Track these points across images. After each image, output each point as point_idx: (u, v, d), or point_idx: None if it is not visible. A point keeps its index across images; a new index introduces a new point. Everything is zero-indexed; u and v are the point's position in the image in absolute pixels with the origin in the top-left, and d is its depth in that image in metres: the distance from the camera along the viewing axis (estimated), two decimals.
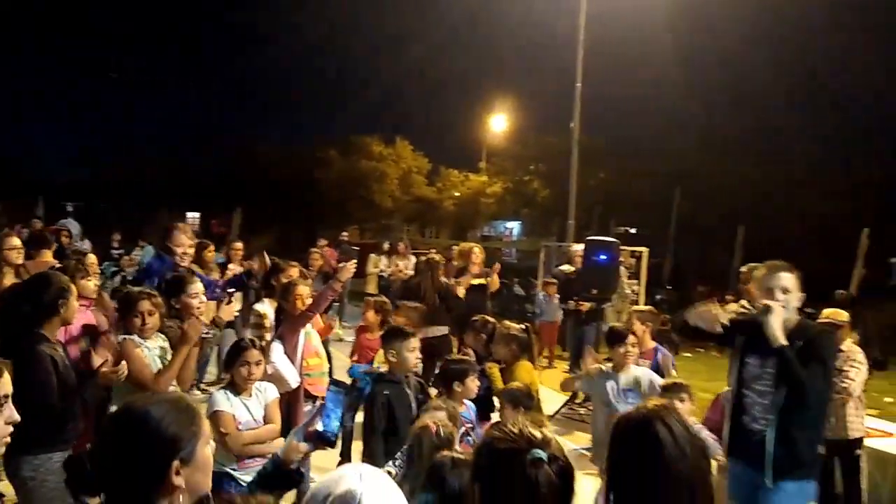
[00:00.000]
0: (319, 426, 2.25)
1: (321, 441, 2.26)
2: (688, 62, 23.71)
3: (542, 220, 32.68)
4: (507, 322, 5.38)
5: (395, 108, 42.21)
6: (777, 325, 3.62)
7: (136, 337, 3.94)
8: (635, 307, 6.97)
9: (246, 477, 3.92)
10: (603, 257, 8.45)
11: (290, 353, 5.19)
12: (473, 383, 4.33)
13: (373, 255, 15.28)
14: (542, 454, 1.69)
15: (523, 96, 33.47)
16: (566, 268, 12.20)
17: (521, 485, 1.68)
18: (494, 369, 4.91)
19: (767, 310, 3.66)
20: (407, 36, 43.04)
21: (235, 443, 3.95)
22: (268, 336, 5.47)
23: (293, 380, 5.08)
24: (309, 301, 5.30)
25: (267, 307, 5.69)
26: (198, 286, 4.81)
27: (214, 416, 3.91)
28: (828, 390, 3.86)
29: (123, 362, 3.80)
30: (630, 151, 28.52)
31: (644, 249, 13.53)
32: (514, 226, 40.49)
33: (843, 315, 6.23)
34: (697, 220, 23.56)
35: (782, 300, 3.72)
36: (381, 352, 6.03)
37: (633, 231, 32.42)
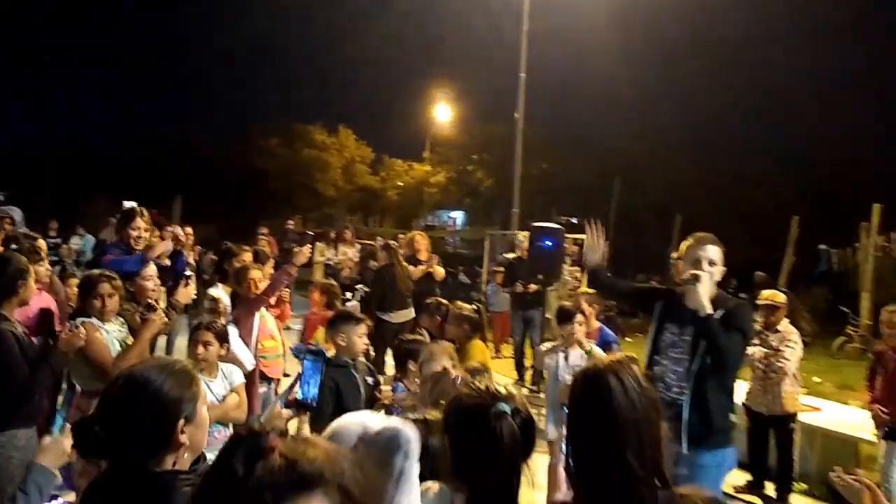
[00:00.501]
0: (299, 394, 2.34)
1: (302, 407, 2.35)
2: (628, 55, 24.21)
3: (485, 210, 32.91)
4: (459, 303, 5.53)
5: (338, 96, 41.86)
6: (704, 294, 3.64)
7: (94, 320, 3.94)
8: (583, 289, 7.15)
9: (211, 454, 3.97)
10: (548, 243, 8.67)
11: (245, 337, 5.24)
12: None
13: (319, 244, 15.21)
14: (506, 408, 1.83)
15: (467, 86, 33.60)
16: (510, 254, 12.54)
17: (486, 436, 1.81)
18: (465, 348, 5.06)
19: (695, 279, 3.67)
20: (351, 24, 42.73)
21: None
22: (223, 320, 5.49)
23: (248, 362, 5.13)
24: (263, 285, 5.36)
25: (221, 292, 5.71)
26: (152, 269, 4.82)
27: None
28: (742, 360, 3.91)
29: (82, 327, 3.81)
30: (571, 142, 28.98)
31: (585, 237, 13.86)
32: (458, 215, 40.71)
33: (780, 297, 6.57)
34: (635, 210, 24.12)
35: (709, 271, 3.74)
36: (321, 330, 6.24)
37: (574, 221, 33.04)
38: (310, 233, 6.73)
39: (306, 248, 5.43)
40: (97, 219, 27.92)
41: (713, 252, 3.81)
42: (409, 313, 8.41)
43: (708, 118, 25.61)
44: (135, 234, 5.36)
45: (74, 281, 5.55)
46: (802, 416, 6.58)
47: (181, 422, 1.89)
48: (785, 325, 6.30)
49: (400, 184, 36.50)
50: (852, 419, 6.73)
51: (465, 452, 1.85)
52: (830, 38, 24.95)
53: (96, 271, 4.19)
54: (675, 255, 7.50)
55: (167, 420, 1.87)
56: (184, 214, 26.17)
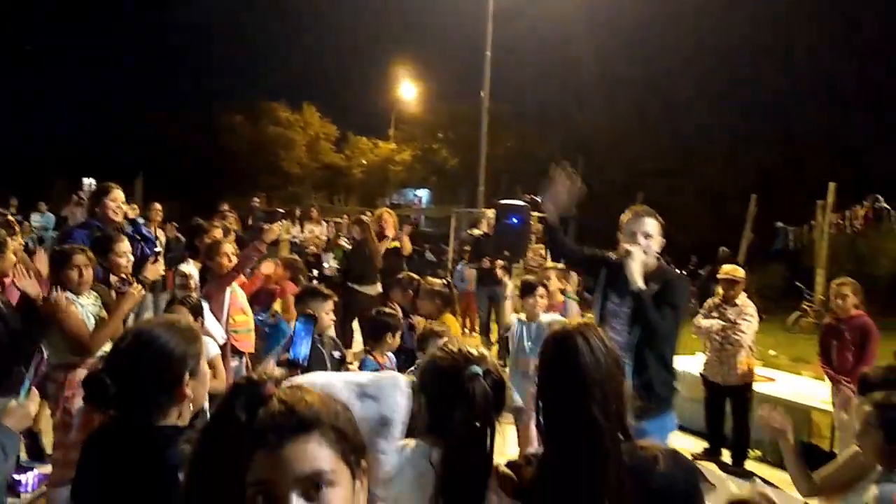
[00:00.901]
0: (290, 353, 2.45)
1: (292, 366, 2.45)
2: (591, 36, 24.37)
3: (450, 188, 32.99)
4: (429, 279, 5.67)
5: (302, 74, 41.38)
6: (636, 268, 3.70)
7: (69, 293, 3.98)
8: (551, 263, 7.34)
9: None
10: (514, 220, 8.75)
11: (217, 311, 5.30)
12: (398, 337, 4.64)
13: (285, 222, 15.22)
14: (479, 369, 1.96)
15: (432, 64, 33.56)
16: (475, 231, 12.71)
17: (460, 395, 1.93)
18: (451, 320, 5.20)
19: (628, 253, 3.74)
20: (315, 0, 42.17)
21: None
22: (194, 295, 5.55)
23: (219, 336, 5.19)
24: (234, 259, 5.42)
25: (191, 268, 5.75)
26: (125, 245, 4.85)
27: None
28: (676, 332, 3.90)
29: (63, 293, 3.86)
30: (536, 121, 29.17)
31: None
32: (424, 194, 40.72)
33: (740, 272, 6.81)
34: (598, 189, 24.38)
35: (644, 245, 3.79)
36: (279, 300, 6.37)
37: (538, 199, 33.26)
38: (280, 210, 6.78)
39: (276, 226, 5.50)
40: (57, 197, 27.49)
41: (649, 225, 3.86)
42: (378, 287, 8.70)
43: (669, 98, 25.97)
44: (113, 205, 5.36)
45: (38, 257, 5.52)
46: (757, 387, 6.85)
47: (186, 376, 2.03)
48: (743, 299, 6.53)
49: (364, 162, 36.36)
50: (805, 389, 7.03)
51: (440, 411, 1.97)
52: (788, 20, 25.42)
53: (70, 244, 4.22)
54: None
55: (173, 374, 2.01)
56: (146, 193, 25.88)
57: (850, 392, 5.71)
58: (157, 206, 9.68)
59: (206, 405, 2.77)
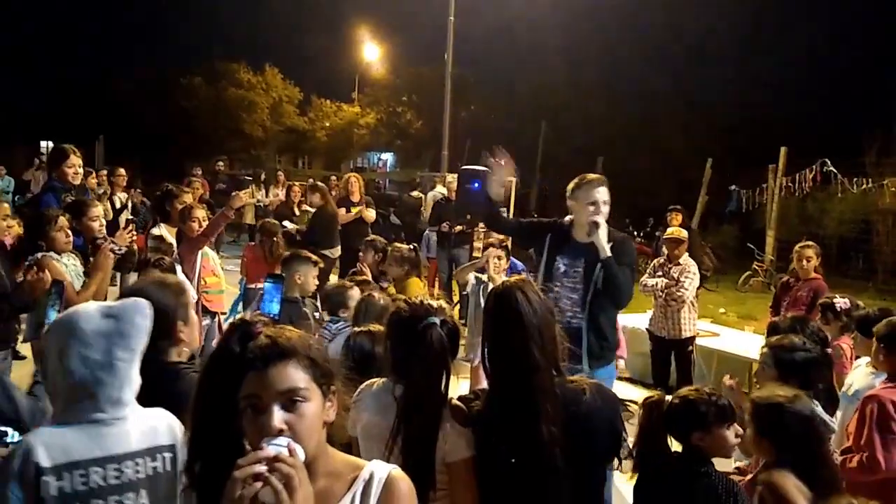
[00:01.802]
0: (261, 309, 2.75)
1: None
2: (555, 4, 24.51)
3: (415, 151, 33.08)
4: (396, 244, 5.98)
5: (264, 35, 40.82)
6: (604, 238, 4.02)
7: (52, 254, 4.20)
8: (489, 237, 7.75)
9: None
10: (476, 185, 9.05)
11: (188, 273, 5.54)
12: None
13: (251, 187, 15.26)
14: (436, 319, 2.29)
15: (396, 26, 33.36)
16: (440, 189, 13.08)
17: (420, 342, 2.28)
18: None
19: (596, 225, 4.02)
20: None
21: None
22: (167, 259, 5.78)
23: (191, 297, 5.46)
24: (205, 224, 5.66)
25: (164, 231, 5.96)
26: (98, 210, 5.07)
27: None
28: (633, 287, 4.28)
29: (46, 272, 4.08)
30: (499, 85, 29.30)
31: (512, 179, 14.39)
32: (388, 157, 40.68)
33: (683, 233, 7.22)
34: (560, 154, 24.73)
35: (605, 213, 4.13)
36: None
37: (501, 162, 33.53)
38: (247, 177, 6.96)
39: (243, 193, 5.74)
40: (15, 161, 27.03)
41: (605, 193, 4.19)
42: (338, 251, 9.20)
43: (628, 64, 26.36)
44: (71, 171, 5.55)
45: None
46: (701, 341, 7.31)
47: (180, 322, 2.45)
48: (685, 258, 6.94)
49: (327, 124, 36.12)
50: (746, 343, 7.50)
51: (402, 354, 2.31)
52: None
53: (49, 208, 4.43)
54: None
55: (168, 322, 2.39)
56: (107, 157, 25.61)
57: None
58: (121, 171, 9.80)
59: None
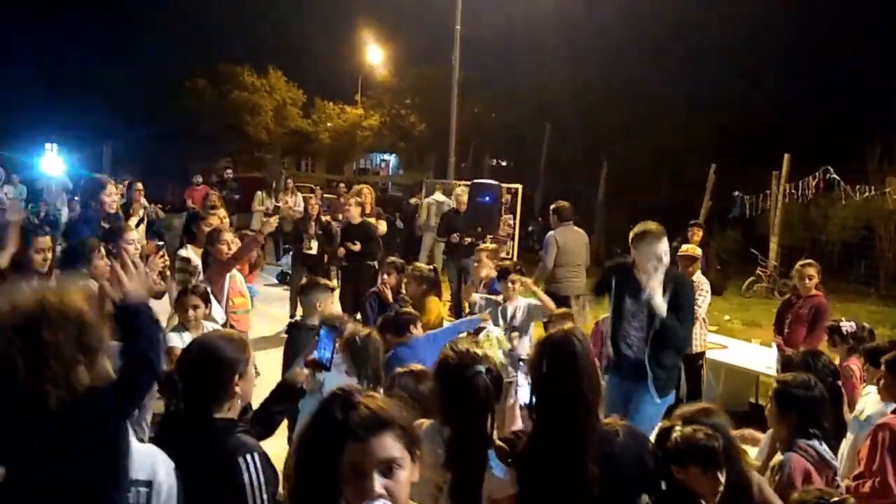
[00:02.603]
0: (315, 355, 2.94)
1: (317, 366, 2.95)
2: (558, 5, 24.58)
3: (418, 154, 33.22)
4: (417, 264, 6.18)
5: (267, 37, 40.93)
6: (660, 300, 4.49)
7: (91, 281, 4.40)
8: (482, 245, 7.99)
9: None
10: (487, 198, 9.30)
11: (217, 294, 5.72)
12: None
13: (259, 193, 15.42)
14: (482, 368, 2.49)
15: (399, 27, 33.39)
16: (437, 196, 13.44)
17: (467, 389, 2.48)
18: None
19: (654, 290, 4.48)
20: None
21: None
22: (202, 285, 5.97)
23: (220, 317, 5.64)
24: (233, 246, 5.85)
25: (190, 253, 6.14)
26: (133, 234, 5.27)
27: (169, 352, 4.48)
28: (688, 334, 4.94)
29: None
30: (503, 86, 29.37)
31: (518, 186, 14.59)
32: (391, 158, 40.83)
33: (697, 251, 7.42)
34: (563, 155, 24.88)
35: (665, 263, 4.58)
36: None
37: (503, 164, 33.70)
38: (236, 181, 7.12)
39: (273, 219, 5.94)
40: (21, 163, 27.10)
41: (665, 245, 4.63)
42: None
43: (630, 65, 26.42)
44: (109, 200, 5.74)
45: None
46: (710, 353, 7.50)
47: (237, 377, 2.54)
48: (698, 276, 7.13)
49: (329, 125, 36.19)
50: (754, 355, 7.69)
51: (450, 399, 2.50)
52: None
53: (93, 238, 4.65)
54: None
55: (228, 376, 2.53)
56: (113, 159, 25.88)
57: None
58: (139, 185, 9.94)
59: None
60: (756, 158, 18.96)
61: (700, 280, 7.10)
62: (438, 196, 14.76)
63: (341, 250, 9.11)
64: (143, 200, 9.75)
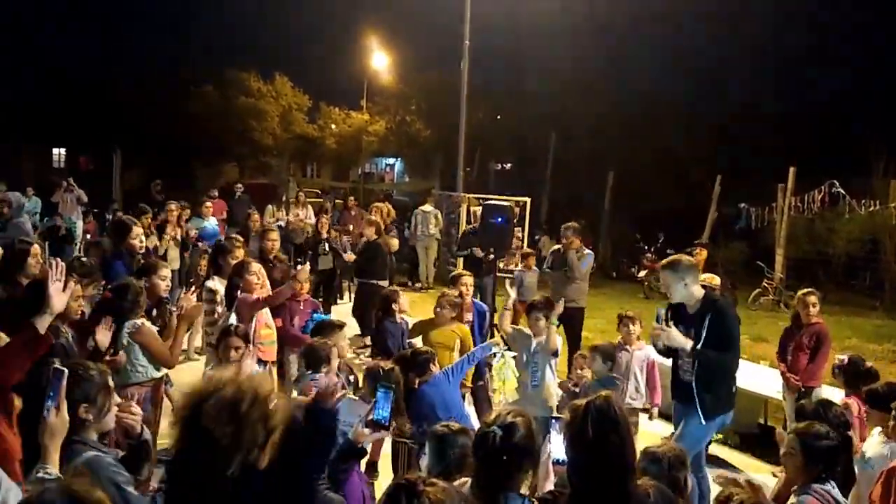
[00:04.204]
0: (374, 416, 3.12)
1: (377, 426, 3.14)
2: (563, 8, 24.73)
3: (423, 159, 33.33)
4: (447, 290, 6.40)
5: (272, 43, 41.14)
6: (677, 340, 4.89)
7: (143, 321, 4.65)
8: (459, 270, 8.40)
9: None
10: (499, 219, 9.49)
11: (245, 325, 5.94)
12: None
13: (270, 207, 15.53)
14: (522, 432, 2.68)
15: (405, 33, 33.59)
16: (426, 207, 14.77)
17: (504, 452, 2.68)
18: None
19: (657, 337, 4.98)
20: None
21: None
22: (219, 309, 6.17)
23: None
24: (261, 278, 6.06)
25: (217, 284, 6.33)
26: (166, 271, 5.47)
27: None
28: (736, 350, 5.14)
29: (122, 354, 4.54)
30: (508, 92, 29.48)
31: (527, 200, 14.81)
32: (396, 162, 40.97)
33: (715, 280, 7.60)
34: (569, 162, 25.01)
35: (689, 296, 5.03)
36: None
37: (507, 166, 33.85)
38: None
39: (306, 267, 6.14)
40: (27, 170, 27.28)
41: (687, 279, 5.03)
42: (387, 282, 10.00)
43: (638, 74, 26.62)
44: (136, 241, 5.98)
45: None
46: None
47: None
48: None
49: (335, 128, 36.25)
50: (762, 378, 7.87)
51: (487, 461, 2.70)
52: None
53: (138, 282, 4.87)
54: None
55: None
56: (123, 166, 26.04)
57: (798, 386, 6.68)
58: (172, 206, 10.09)
59: None
60: (761, 170, 19.13)
61: None
62: (426, 207, 15.29)
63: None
64: (177, 221, 9.94)
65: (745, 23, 25.42)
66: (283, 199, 16.12)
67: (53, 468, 2.48)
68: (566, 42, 26.24)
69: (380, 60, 33.60)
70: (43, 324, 3.36)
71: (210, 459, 2.10)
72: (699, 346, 4.89)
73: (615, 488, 2.64)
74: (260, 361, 6.03)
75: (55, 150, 38.13)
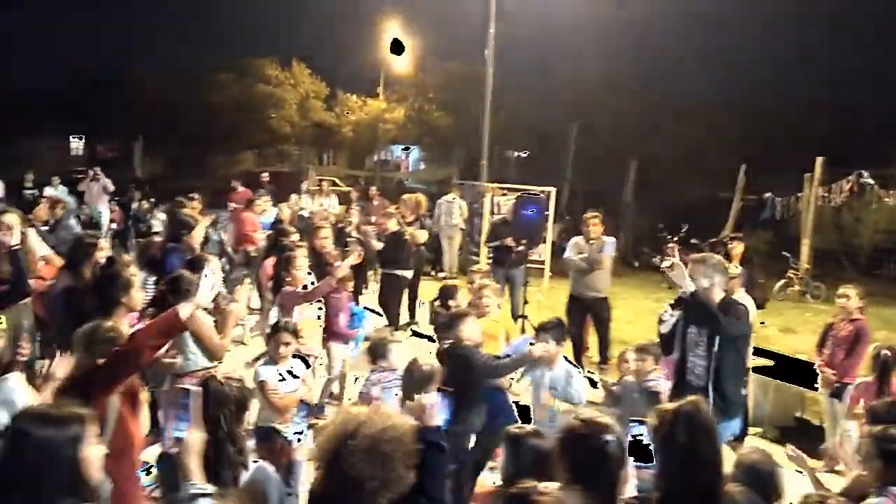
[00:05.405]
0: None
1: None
2: (587, 2, 24.49)
3: (442, 149, 33.23)
4: (484, 281, 6.48)
5: (290, 30, 41.10)
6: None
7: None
8: (478, 267, 8.42)
9: (287, 430, 4.80)
10: (533, 211, 9.47)
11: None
12: None
13: (294, 196, 15.53)
14: (612, 437, 2.67)
15: (424, 22, 33.35)
16: (449, 197, 14.88)
17: (597, 455, 2.66)
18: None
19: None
20: None
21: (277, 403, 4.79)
22: (290, 321, 6.14)
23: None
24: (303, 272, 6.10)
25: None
26: (216, 264, 5.52)
27: (261, 385, 4.72)
28: (746, 356, 5.15)
29: (178, 354, 4.62)
30: (531, 83, 29.26)
31: (553, 189, 14.76)
32: (412, 150, 40.82)
33: (736, 270, 7.54)
34: (590, 152, 24.86)
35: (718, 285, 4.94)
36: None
37: (524, 154, 33.66)
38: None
39: (345, 263, 6.16)
40: (47, 157, 27.40)
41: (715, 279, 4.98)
42: (410, 273, 10.05)
43: (662, 64, 26.42)
44: (195, 241, 6.07)
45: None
46: (756, 371, 7.64)
47: None
48: (741, 293, 7.21)
49: (352, 117, 36.13)
50: (799, 371, 7.83)
51: (582, 465, 2.69)
52: None
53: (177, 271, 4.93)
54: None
55: None
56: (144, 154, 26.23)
57: (833, 381, 6.64)
58: (196, 199, 10.14)
59: None
60: (787, 160, 18.96)
61: (742, 298, 7.20)
62: (450, 196, 15.30)
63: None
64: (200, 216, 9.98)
65: (770, 11, 25.10)
66: (304, 187, 16.02)
67: (202, 483, 2.54)
68: (590, 33, 26.02)
69: (397, 48, 33.46)
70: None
71: (353, 499, 2.12)
72: (715, 349, 4.85)
73: (705, 493, 2.64)
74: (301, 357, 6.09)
75: (74, 139, 38.28)
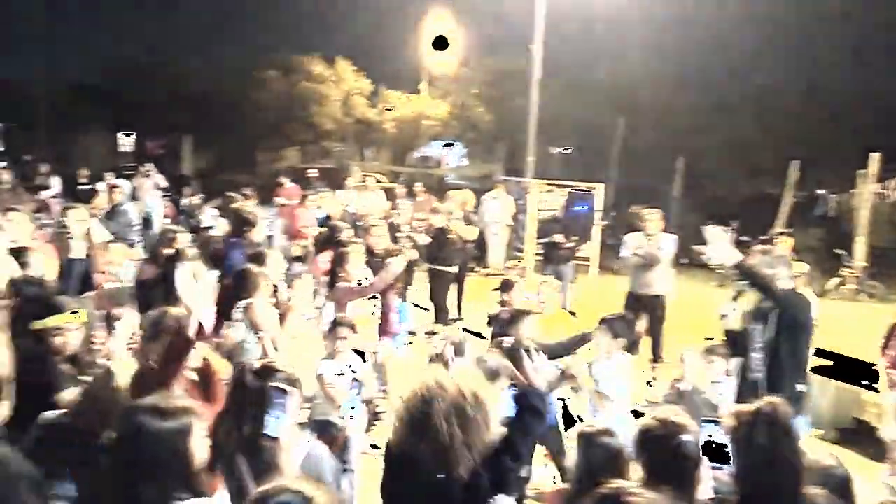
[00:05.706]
0: None
1: None
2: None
3: (485, 145, 33.15)
4: (544, 278, 6.52)
5: (336, 27, 41.39)
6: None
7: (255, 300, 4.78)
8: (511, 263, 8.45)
9: (341, 422, 4.86)
10: (584, 207, 9.42)
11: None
12: None
13: (339, 192, 15.59)
14: (690, 438, 2.65)
15: (467, 18, 33.35)
16: (493, 193, 14.72)
17: (675, 455, 2.63)
18: None
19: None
20: None
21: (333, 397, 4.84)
22: (348, 316, 6.22)
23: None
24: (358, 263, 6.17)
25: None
26: (273, 258, 5.61)
27: (319, 378, 4.79)
28: (805, 347, 4.97)
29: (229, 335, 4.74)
30: (576, 77, 29.04)
31: (600, 185, 14.65)
32: (455, 145, 40.71)
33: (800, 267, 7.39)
34: (638, 145, 24.58)
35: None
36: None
37: (568, 150, 33.41)
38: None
39: (399, 259, 6.20)
40: (90, 150, 27.94)
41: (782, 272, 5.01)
42: (455, 269, 10.24)
43: (711, 60, 26.00)
44: (255, 234, 6.18)
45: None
46: (815, 371, 7.50)
47: None
48: (808, 292, 7.09)
49: (395, 113, 36.15)
50: (858, 371, 7.67)
51: (660, 465, 2.67)
52: None
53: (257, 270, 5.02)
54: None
55: None
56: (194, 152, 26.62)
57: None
58: (248, 194, 10.32)
59: None
60: (838, 156, 18.54)
61: (806, 293, 7.06)
62: (495, 192, 15.25)
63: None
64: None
65: (821, 3, 24.48)
66: (348, 183, 16.11)
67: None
68: (635, 27, 25.72)
69: (442, 44, 33.48)
70: None
71: (440, 460, 2.12)
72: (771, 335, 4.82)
73: (786, 497, 2.60)
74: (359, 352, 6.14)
75: (122, 136, 38.88)
